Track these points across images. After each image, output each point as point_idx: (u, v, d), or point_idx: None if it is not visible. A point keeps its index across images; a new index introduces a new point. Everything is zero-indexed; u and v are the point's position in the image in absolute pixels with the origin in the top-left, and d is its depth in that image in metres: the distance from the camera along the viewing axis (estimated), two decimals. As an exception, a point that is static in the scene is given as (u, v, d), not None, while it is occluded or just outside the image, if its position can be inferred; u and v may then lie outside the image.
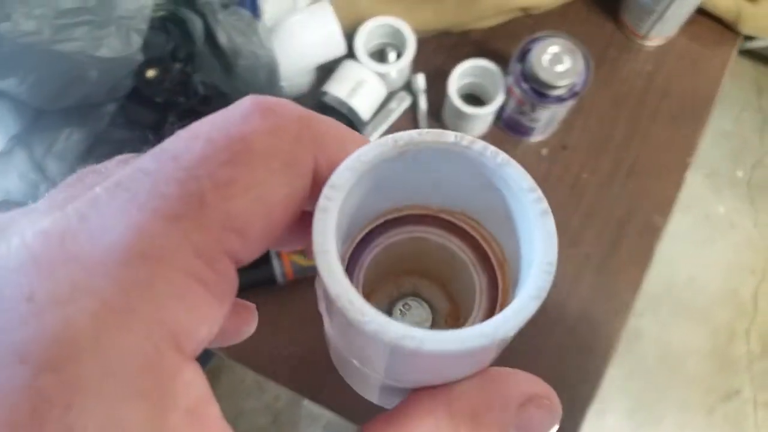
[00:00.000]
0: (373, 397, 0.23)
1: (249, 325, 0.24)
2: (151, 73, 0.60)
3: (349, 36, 0.67)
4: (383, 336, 0.16)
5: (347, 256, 0.21)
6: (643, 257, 0.68)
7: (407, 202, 0.21)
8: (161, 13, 0.62)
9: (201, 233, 0.15)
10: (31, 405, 0.13)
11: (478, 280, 0.22)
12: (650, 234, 0.68)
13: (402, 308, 0.23)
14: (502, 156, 0.18)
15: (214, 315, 0.16)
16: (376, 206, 0.21)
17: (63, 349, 0.13)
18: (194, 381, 0.15)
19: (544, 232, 0.18)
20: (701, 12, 0.73)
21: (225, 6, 0.62)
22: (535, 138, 0.69)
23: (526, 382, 0.18)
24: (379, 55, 0.69)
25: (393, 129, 0.70)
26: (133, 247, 0.14)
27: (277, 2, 0.65)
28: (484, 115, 0.65)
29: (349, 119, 0.65)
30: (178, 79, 0.61)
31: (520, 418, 0.18)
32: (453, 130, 0.72)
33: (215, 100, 0.63)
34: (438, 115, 0.70)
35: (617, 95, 0.71)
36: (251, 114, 0.17)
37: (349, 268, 0.22)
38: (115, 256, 0.14)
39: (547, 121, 0.65)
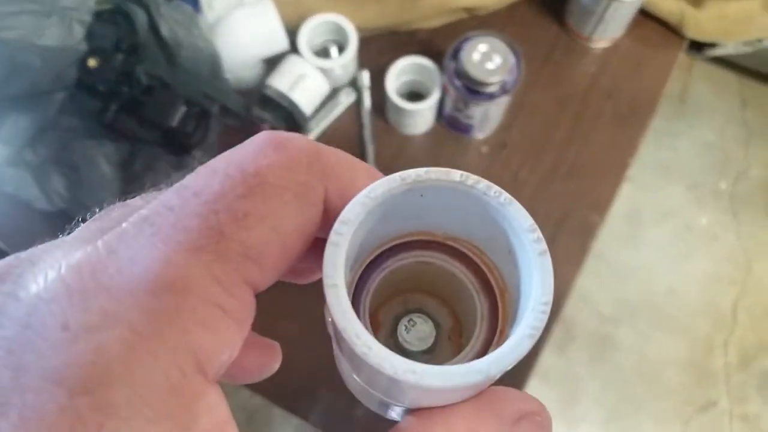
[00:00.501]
0: (371, 406, 0.24)
1: (272, 362, 0.25)
2: (92, 62, 0.62)
3: (296, 32, 0.68)
4: (386, 370, 0.17)
5: (356, 277, 0.23)
6: (577, 255, 0.68)
7: (414, 229, 0.22)
8: (107, 6, 0.64)
9: (221, 263, 0.16)
10: (68, 425, 0.14)
11: (480, 306, 0.23)
12: (586, 233, 0.69)
13: (407, 324, 0.24)
14: (505, 196, 0.19)
15: (234, 339, 0.17)
16: (385, 233, 0.22)
17: (96, 373, 0.14)
18: (216, 403, 0.16)
19: (541, 272, 0.19)
20: (648, 15, 0.74)
21: (168, 0, 0.64)
22: (476, 135, 0.70)
23: (519, 400, 0.19)
24: (325, 52, 0.71)
25: (337, 123, 0.71)
26: (159, 278, 0.15)
27: (223, -2, 0.67)
28: (420, 111, 0.67)
29: (290, 111, 0.67)
30: (121, 69, 0.63)
31: None
32: (395, 125, 0.74)
33: (158, 90, 0.65)
34: (382, 111, 0.71)
35: (561, 96, 0.72)
36: (265, 148, 0.18)
37: (358, 288, 0.23)
38: (142, 287, 0.15)
39: (481, 118, 0.66)
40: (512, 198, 0.19)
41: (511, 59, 0.62)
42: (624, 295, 1.40)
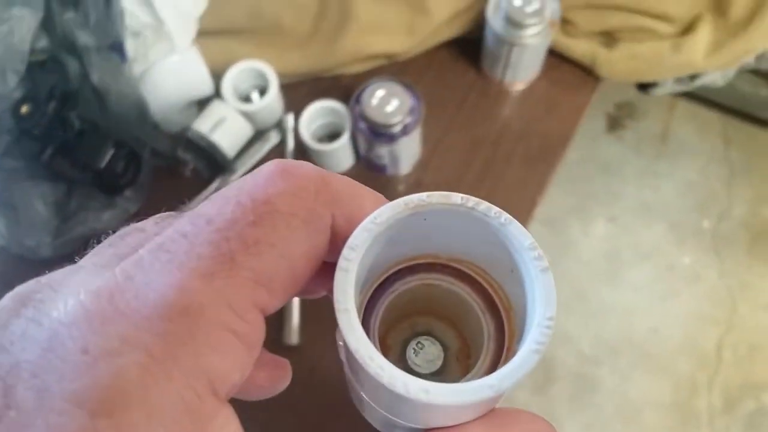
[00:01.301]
0: (383, 428, 0.24)
1: (284, 379, 0.25)
2: (24, 109, 0.67)
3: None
4: (399, 389, 0.18)
5: (365, 301, 0.23)
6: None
7: (419, 252, 0.23)
8: (42, 56, 0.69)
9: (233, 289, 0.17)
10: None
11: (486, 325, 0.23)
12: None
13: (416, 347, 0.24)
14: (505, 216, 0.20)
15: (245, 361, 0.18)
16: (391, 257, 0.23)
17: (115, 396, 0.15)
18: (228, 423, 0.17)
19: (544, 288, 0.19)
20: (563, 57, 0.76)
21: (98, 50, 0.69)
22: (392, 174, 0.73)
23: (529, 422, 0.20)
24: (249, 96, 0.75)
25: (261, 164, 0.75)
26: (174, 303, 0.16)
27: (154, 45, 0.72)
28: (334, 151, 0.70)
29: (211, 153, 0.71)
30: (54, 114, 0.69)
31: None
32: (316, 165, 0.77)
33: (89, 134, 0.70)
34: (305, 152, 0.75)
35: (475, 138, 0.75)
36: (274, 177, 0.19)
37: (367, 312, 0.23)
38: (158, 312, 0.16)
39: (390, 157, 0.69)
40: (512, 218, 0.20)
41: (410, 102, 0.66)
42: (605, 334, 1.39)
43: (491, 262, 0.23)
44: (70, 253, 0.20)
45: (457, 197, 0.20)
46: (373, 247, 0.20)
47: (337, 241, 0.20)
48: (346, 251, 0.19)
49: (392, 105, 0.65)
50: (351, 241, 0.19)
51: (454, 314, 0.25)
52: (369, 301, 0.23)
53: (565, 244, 1.44)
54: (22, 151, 0.72)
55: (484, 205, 0.20)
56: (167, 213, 0.21)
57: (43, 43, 0.69)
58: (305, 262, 0.19)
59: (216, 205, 0.19)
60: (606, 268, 1.42)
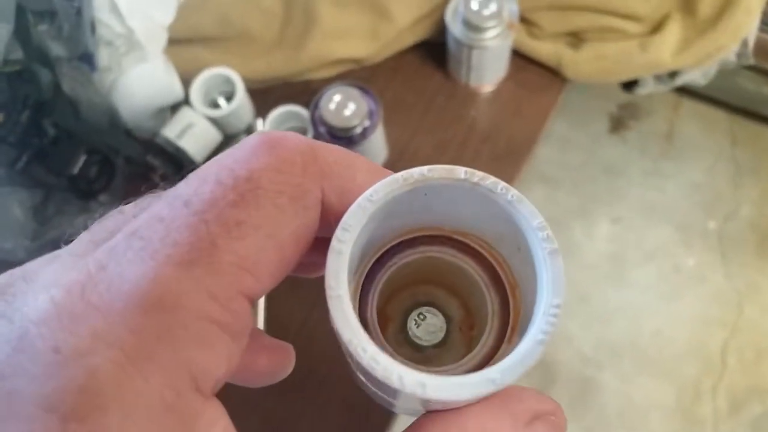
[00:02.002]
0: (381, 402, 0.23)
1: (286, 365, 0.24)
2: (-2, 118, 0.70)
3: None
4: (394, 383, 0.17)
5: (363, 276, 0.22)
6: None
7: (420, 224, 0.22)
8: (15, 67, 0.72)
9: (214, 277, 0.16)
10: None
11: (491, 301, 0.22)
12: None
13: (417, 318, 0.23)
14: (513, 192, 0.19)
15: (230, 352, 0.17)
16: (390, 230, 0.22)
17: (88, 398, 0.14)
18: (216, 419, 0.16)
19: (551, 273, 0.18)
20: (530, 60, 0.76)
21: (69, 61, 0.72)
22: (357, 178, 0.74)
23: (533, 400, 0.19)
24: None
25: (231, 169, 0.76)
26: (149, 295, 0.15)
27: (126, 54, 0.74)
28: (297, 157, 0.71)
29: (178, 158, 0.73)
30: (28, 123, 0.71)
31: None
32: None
33: (63, 141, 0.72)
34: (275, 157, 0.76)
35: (441, 140, 0.75)
36: (257, 151, 0.18)
37: (365, 287, 0.22)
38: (132, 306, 0.15)
39: (352, 161, 0.70)
40: (521, 195, 0.19)
41: (367, 105, 0.66)
42: (608, 337, 1.38)
43: (497, 238, 0.21)
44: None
45: (460, 171, 0.19)
46: (370, 223, 0.19)
47: (328, 216, 0.19)
48: (339, 232, 0.18)
49: (349, 109, 0.66)
50: (345, 220, 0.18)
51: (458, 285, 0.24)
52: (367, 276, 0.22)
53: (568, 246, 1.42)
54: (0, 159, 0.75)
55: (490, 180, 0.19)
56: (150, 193, 0.19)
57: (18, 54, 0.72)
58: (294, 242, 0.18)
59: (194, 184, 0.17)
60: (610, 270, 1.41)
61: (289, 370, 0.24)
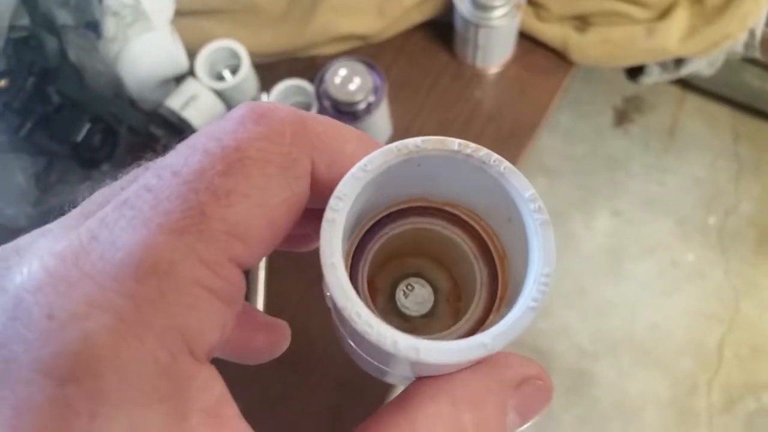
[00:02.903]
0: (371, 371, 0.24)
1: (282, 342, 0.24)
2: (2, 83, 0.70)
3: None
4: (388, 347, 0.17)
5: (354, 245, 0.22)
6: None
7: (411, 195, 0.22)
8: (22, 33, 0.72)
9: (204, 243, 0.16)
10: (59, 414, 0.14)
11: (479, 272, 0.23)
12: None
13: (405, 289, 0.23)
14: (506, 165, 0.19)
15: (223, 318, 0.17)
16: (381, 200, 0.22)
17: (84, 362, 0.14)
18: (211, 383, 0.16)
19: (542, 243, 0.18)
20: (537, 42, 0.76)
21: (76, 28, 0.72)
22: (360, 155, 0.74)
23: (521, 365, 0.19)
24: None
25: (234, 143, 0.76)
26: (142, 262, 0.15)
27: (132, 24, 0.74)
28: (301, 131, 0.71)
29: (182, 129, 0.73)
30: (33, 89, 0.71)
31: (516, 399, 0.19)
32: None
33: (67, 108, 0.72)
34: (278, 132, 0.76)
35: (445, 120, 0.75)
36: (245, 121, 0.18)
37: (356, 257, 0.22)
38: (126, 272, 0.15)
39: (355, 137, 0.70)
40: (513, 167, 0.19)
41: (373, 81, 0.66)
42: (605, 330, 1.38)
43: (488, 209, 0.22)
44: (47, 222, 0.19)
45: (454, 143, 0.19)
46: (363, 193, 0.19)
47: (318, 187, 0.19)
48: (333, 201, 0.18)
49: (355, 83, 0.66)
50: (339, 190, 0.18)
51: (446, 258, 0.24)
52: (358, 246, 0.23)
53: (568, 238, 1.43)
54: (5, 125, 0.75)
55: (483, 152, 0.19)
56: (137, 164, 0.20)
57: (25, 21, 0.72)
58: (284, 210, 0.18)
59: (182, 154, 0.17)
60: (609, 263, 1.41)
61: (284, 347, 0.24)
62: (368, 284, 0.23)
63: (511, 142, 0.74)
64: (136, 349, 0.15)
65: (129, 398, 0.15)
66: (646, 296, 1.39)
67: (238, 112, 0.18)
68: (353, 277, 0.22)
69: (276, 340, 0.24)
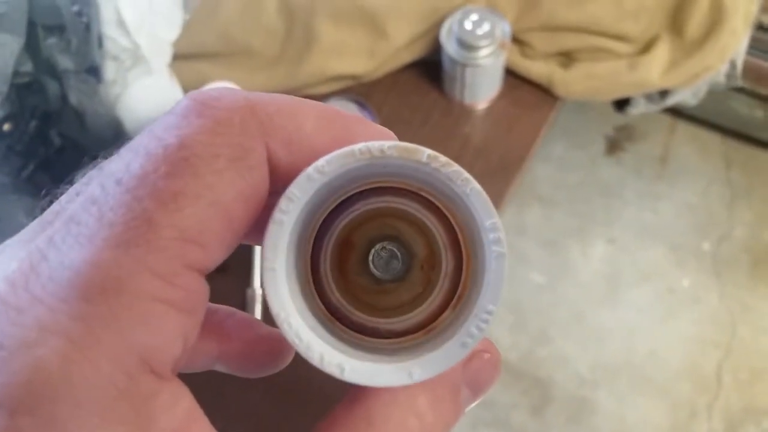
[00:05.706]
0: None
1: (285, 354, 0.24)
2: (6, 126, 0.72)
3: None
4: (314, 361, 0.17)
5: (322, 219, 0.21)
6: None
7: (385, 179, 0.21)
8: (26, 78, 0.75)
9: (155, 254, 0.15)
10: None
11: (446, 261, 0.22)
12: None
13: (380, 251, 0.22)
14: (473, 186, 0.18)
15: (184, 329, 0.16)
16: (350, 182, 0.20)
17: (36, 391, 0.14)
18: (176, 400, 0.16)
19: (492, 277, 0.18)
20: (523, 78, 0.79)
21: (77, 73, 0.74)
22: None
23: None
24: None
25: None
26: (89, 281, 0.15)
27: (132, 68, 0.77)
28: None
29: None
30: (35, 132, 0.74)
31: (467, 375, 0.19)
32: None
33: (69, 150, 0.75)
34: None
35: (435, 154, 0.77)
36: (188, 114, 0.17)
37: (321, 231, 0.22)
38: (74, 293, 0.15)
39: (348, 174, 0.72)
40: (480, 190, 0.18)
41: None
42: (603, 357, 1.38)
43: (459, 211, 0.21)
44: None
45: (423, 153, 0.18)
46: (320, 189, 0.18)
47: (279, 173, 0.18)
48: (283, 202, 0.17)
49: (346, 122, 0.68)
50: (290, 190, 0.17)
51: (419, 239, 0.24)
52: (325, 220, 0.22)
53: (564, 266, 1.44)
54: (8, 167, 0.77)
55: (452, 169, 0.18)
56: (93, 164, 0.19)
57: (28, 67, 0.74)
58: (242, 205, 0.17)
59: (125, 160, 0.16)
60: (605, 290, 1.42)
61: (289, 359, 0.24)
62: (344, 240, 0.22)
63: (500, 175, 0.76)
64: (90, 373, 0.14)
65: (85, 424, 0.14)
66: (644, 322, 1.40)
67: (180, 104, 0.17)
68: (316, 251, 0.21)
69: (278, 352, 0.23)
